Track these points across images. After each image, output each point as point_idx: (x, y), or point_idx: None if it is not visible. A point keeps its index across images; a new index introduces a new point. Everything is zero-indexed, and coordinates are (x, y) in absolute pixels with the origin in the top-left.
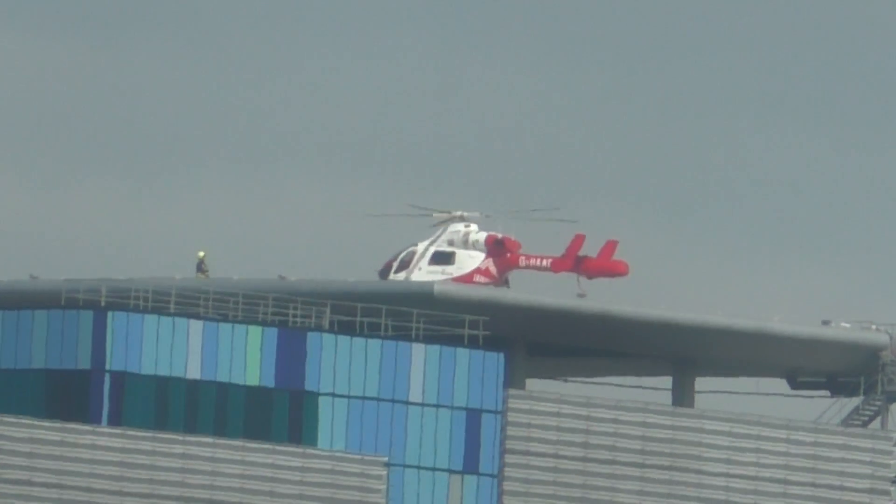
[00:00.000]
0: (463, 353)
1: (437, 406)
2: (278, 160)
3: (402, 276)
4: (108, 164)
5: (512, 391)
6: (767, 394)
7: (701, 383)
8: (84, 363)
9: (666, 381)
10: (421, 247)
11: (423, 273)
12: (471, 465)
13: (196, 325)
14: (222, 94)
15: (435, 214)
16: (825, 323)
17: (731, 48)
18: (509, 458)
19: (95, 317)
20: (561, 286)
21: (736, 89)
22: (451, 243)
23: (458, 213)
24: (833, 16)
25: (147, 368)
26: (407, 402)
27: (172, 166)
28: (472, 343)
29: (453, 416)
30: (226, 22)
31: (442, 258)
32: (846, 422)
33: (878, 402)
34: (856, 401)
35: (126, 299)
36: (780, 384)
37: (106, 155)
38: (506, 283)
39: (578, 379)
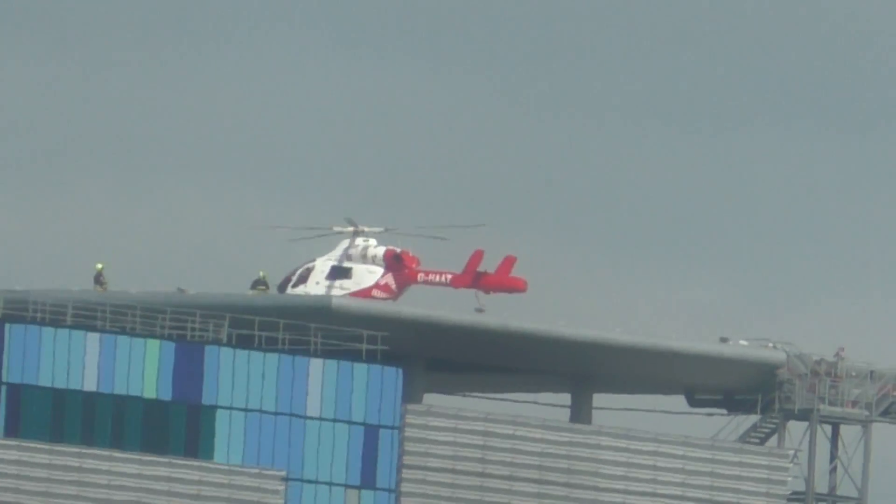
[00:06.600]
0: (361, 368)
1: (335, 420)
2: (179, 171)
3: (300, 290)
4: (3, 174)
5: (409, 406)
6: (665, 411)
7: (599, 400)
8: None
9: (564, 398)
10: (319, 261)
11: (321, 287)
12: (368, 479)
13: (93, 338)
14: (120, 102)
15: (335, 228)
16: (723, 340)
17: (628, 51)
18: (406, 474)
19: None
20: (460, 301)
21: (630, 96)
22: (349, 258)
23: (358, 227)
24: (719, 13)
25: (44, 380)
26: (305, 417)
27: (72, 176)
28: (370, 358)
29: (351, 431)
30: (120, 26)
31: (340, 273)
32: (743, 439)
33: (775, 420)
34: (753, 418)
35: (23, 311)
36: (679, 401)
37: (1, 164)
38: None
39: (477, 394)
